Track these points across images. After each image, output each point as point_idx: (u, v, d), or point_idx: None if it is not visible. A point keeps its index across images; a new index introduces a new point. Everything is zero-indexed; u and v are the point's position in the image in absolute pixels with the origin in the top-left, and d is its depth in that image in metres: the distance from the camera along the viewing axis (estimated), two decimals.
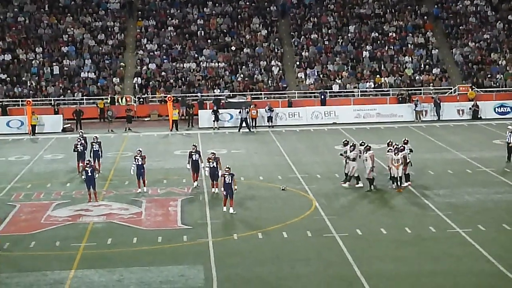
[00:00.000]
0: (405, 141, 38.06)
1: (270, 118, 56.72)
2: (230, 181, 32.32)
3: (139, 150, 36.95)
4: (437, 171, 39.61)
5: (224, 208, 32.66)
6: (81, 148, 40.91)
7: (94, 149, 40.85)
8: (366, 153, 35.57)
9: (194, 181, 37.32)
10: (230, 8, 72.83)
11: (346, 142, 37.99)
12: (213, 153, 35.59)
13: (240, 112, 55.77)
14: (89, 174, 34.59)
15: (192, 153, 37.10)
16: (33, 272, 25.60)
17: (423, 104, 58.79)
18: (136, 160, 36.42)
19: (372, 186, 35.59)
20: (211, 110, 57.08)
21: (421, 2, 73.83)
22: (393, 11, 72.67)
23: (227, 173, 32.47)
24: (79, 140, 41.34)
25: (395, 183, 35.34)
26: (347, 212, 32.55)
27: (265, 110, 56.99)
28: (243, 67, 66.44)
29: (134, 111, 59.82)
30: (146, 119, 61.00)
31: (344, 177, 36.78)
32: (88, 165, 34.98)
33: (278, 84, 64.83)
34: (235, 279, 24.91)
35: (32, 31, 69.73)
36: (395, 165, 35.20)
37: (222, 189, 32.87)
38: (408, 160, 35.75)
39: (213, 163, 34.85)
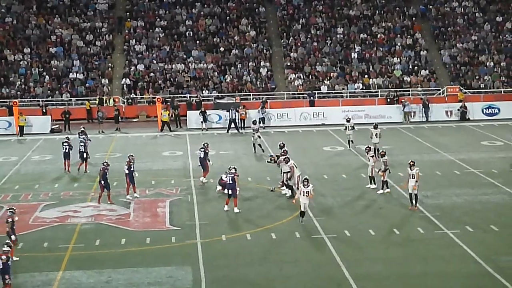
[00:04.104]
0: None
1: (262, 119, 56.56)
2: (233, 181, 32.79)
3: (132, 155, 36.79)
4: (425, 172, 39.65)
5: (226, 207, 32.84)
6: (82, 148, 41.84)
7: (65, 151, 41.78)
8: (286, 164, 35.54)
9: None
10: (218, 9, 72.77)
11: (282, 144, 38.97)
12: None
13: (229, 113, 55.72)
14: (106, 176, 34.59)
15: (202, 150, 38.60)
16: (21, 274, 25.52)
17: (412, 105, 58.92)
18: (131, 165, 36.11)
19: (293, 193, 34.95)
20: (198, 111, 56.98)
21: (409, 4, 73.96)
22: (381, 12, 72.77)
23: (231, 174, 32.94)
24: (85, 139, 42.60)
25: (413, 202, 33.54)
26: (335, 213, 32.58)
27: (258, 111, 56.93)
28: (232, 68, 66.41)
29: (122, 112, 59.62)
30: (134, 120, 60.90)
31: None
32: (108, 167, 34.83)
33: (266, 85, 64.83)
34: (224, 280, 24.92)
35: (20, 32, 69.51)
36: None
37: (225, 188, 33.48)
38: (387, 167, 35.57)
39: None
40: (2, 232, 30.54)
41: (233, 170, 33.22)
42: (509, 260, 26.25)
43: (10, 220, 27.47)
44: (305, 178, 31.01)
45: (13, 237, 27.19)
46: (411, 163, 32.81)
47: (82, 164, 41.60)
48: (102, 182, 34.50)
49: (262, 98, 61.05)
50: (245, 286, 24.51)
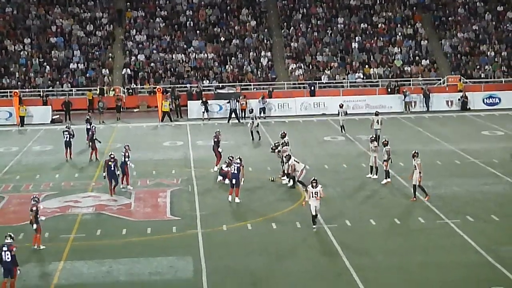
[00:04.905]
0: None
1: (263, 109, 56.49)
2: (237, 171, 32.79)
3: (128, 145, 36.95)
4: (426, 162, 39.36)
5: (230, 198, 32.85)
6: (91, 134, 42.71)
7: (66, 140, 42.36)
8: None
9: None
10: None
11: (284, 134, 38.98)
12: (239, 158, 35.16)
13: (229, 103, 55.73)
14: (112, 168, 34.07)
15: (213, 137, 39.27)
16: (22, 264, 25.44)
17: (412, 95, 58.88)
18: (129, 155, 36.20)
19: (294, 183, 35.19)
20: (200, 102, 56.97)
21: None
22: (382, 2, 72.56)
23: (237, 164, 32.98)
24: (93, 128, 43.63)
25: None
26: (336, 203, 32.56)
27: (258, 101, 56.88)
28: (232, 58, 66.35)
29: (123, 102, 59.60)
30: (135, 110, 60.87)
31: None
32: (112, 160, 34.31)
33: (267, 75, 64.77)
34: (224, 270, 24.94)
35: (20, 22, 69.39)
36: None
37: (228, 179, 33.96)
38: (389, 156, 35.56)
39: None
40: (2, 223, 30.75)
41: (238, 160, 33.28)
42: (509, 250, 26.27)
43: (34, 208, 27.62)
44: (314, 179, 29.10)
45: (34, 225, 27.40)
46: (415, 154, 32.72)
47: (95, 151, 42.19)
48: (104, 174, 34.34)
49: (269, 88, 61.05)
50: (246, 275, 24.52)
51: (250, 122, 48.09)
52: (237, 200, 32.78)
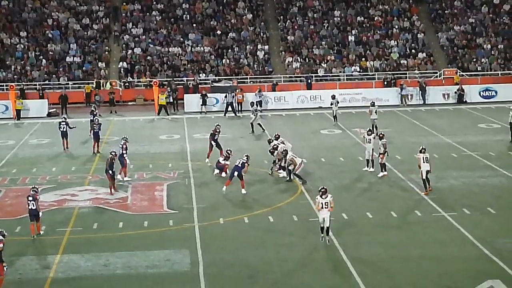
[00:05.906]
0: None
1: (259, 102, 56.42)
2: (242, 166, 33.03)
3: (125, 138, 37.06)
4: None
5: (224, 188, 33.00)
6: (97, 128, 42.32)
7: (62, 131, 42.69)
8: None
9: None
10: None
11: (277, 135, 38.85)
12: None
13: (226, 96, 55.71)
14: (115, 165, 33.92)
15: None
16: (19, 257, 25.55)
17: (409, 88, 58.91)
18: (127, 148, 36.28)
19: (290, 176, 35.19)
20: (199, 94, 56.95)
21: None
22: None
23: (242, 159, 33.45)
24: (96, 120, 43.34)
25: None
26: (333, 196, 32.47)
27: (255, 94, 56.83)
28: (229, 51, 66.30)
29: (120, 95, 59.61)
30: (129, 103, 60.81)
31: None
32: (114, 155, 34.08)
33: (263, 68, 64.76)
34: (221, 263, 24.97)
35: (16, 15, 69.25)
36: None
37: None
38: (385, 149, 35.56)
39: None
40: (1, 216, 30.77)
41: (245, 158, 33.43)
42: (505, 242, 26.33)
43: (37, 198, 27.95)
44: (323, 188, 26.60)
45: (40, 213, 27.94)
46: (422, 150, 32.71)
47: (96, 144, 42.16)
48: (110, 172, 33.76)
49: (274, 81, 61.10)
50: (242, 269, 24.55)
51: (255, 115, 48.21)
52: (243, 191, 32.92)
